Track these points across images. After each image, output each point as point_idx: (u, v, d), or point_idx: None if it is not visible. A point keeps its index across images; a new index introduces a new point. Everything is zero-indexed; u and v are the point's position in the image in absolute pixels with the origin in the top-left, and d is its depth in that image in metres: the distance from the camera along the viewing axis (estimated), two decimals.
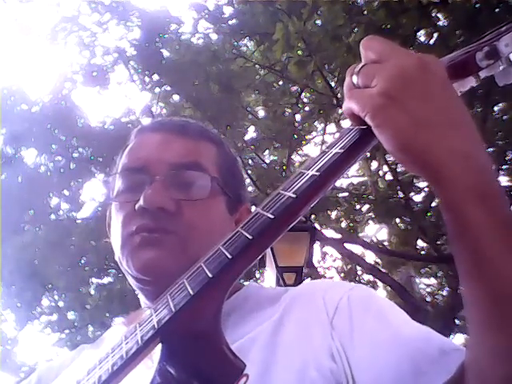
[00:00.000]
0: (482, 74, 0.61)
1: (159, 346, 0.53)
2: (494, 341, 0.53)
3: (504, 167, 7.04)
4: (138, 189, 0.80)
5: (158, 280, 0.75)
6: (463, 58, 0.61)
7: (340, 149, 0.58)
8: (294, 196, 0.56)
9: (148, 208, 0.77)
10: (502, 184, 7.11)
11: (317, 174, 0.57)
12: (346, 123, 0.62)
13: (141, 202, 0.77)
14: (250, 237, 0.55)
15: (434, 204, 7.14)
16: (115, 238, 0.83)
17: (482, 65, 0.59)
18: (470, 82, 0.61)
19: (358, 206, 8.42)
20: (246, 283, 0.91)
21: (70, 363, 0.81)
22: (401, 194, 7.20)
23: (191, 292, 0.54)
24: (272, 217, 0.55)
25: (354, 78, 0.58)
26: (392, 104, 0.53)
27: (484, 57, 0.59)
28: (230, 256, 0.55)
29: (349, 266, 8.76)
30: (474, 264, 0.52)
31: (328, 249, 8.43)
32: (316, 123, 9.00)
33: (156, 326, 0.54)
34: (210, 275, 0.55)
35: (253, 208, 0.72)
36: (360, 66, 0.58)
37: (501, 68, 0.59)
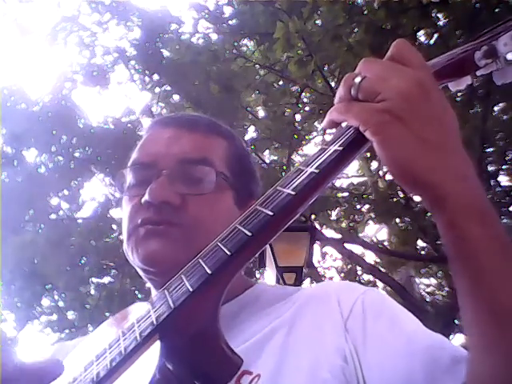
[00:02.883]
0: (479, 73, 0.61)
1: (158, 343, 0.53)
2: (493, 361, 0.53)
3: (504, 167, 7.04)
4: (146, 183, 0.81)
5: (164, 271, 0.76)
6: (462, 57, 0.61)
7: (339, 146, 0.58)
8: (293, 193, 0.56)
9: (153, 202, 0.78)
10: (502, 184, 7.12)
11: (316, 171, 0.57)
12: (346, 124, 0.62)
13: (146, 196, 0.79)
14: (249, 233, 0.55)
15: None
16: (123, 230, 0.85)
17: (481, 64, 0.59)
18: (467, 81, 0.61)
19: (358, 206, 8.40)
20: None
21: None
22: (401, 194, 7.20)
23: (190, 288, 0.54)
24: (271, 214, 0.55)
25: (353, 90, 0.58)
26: (397, 123, 0.54)
27: (482, 56, 0.59)
28: (229, 253, 0.55)
29: (349, 266, 8.76)
30: (475, 280, 0.53)
31: (328, 249, 8.44)
32: (316, 123, 8.96)
33: (155, 322, 0.54)
34: (209, 272, 0.55)
35: None
36: (359, 78, 0.57)
37: (499, 67, 0.59)
